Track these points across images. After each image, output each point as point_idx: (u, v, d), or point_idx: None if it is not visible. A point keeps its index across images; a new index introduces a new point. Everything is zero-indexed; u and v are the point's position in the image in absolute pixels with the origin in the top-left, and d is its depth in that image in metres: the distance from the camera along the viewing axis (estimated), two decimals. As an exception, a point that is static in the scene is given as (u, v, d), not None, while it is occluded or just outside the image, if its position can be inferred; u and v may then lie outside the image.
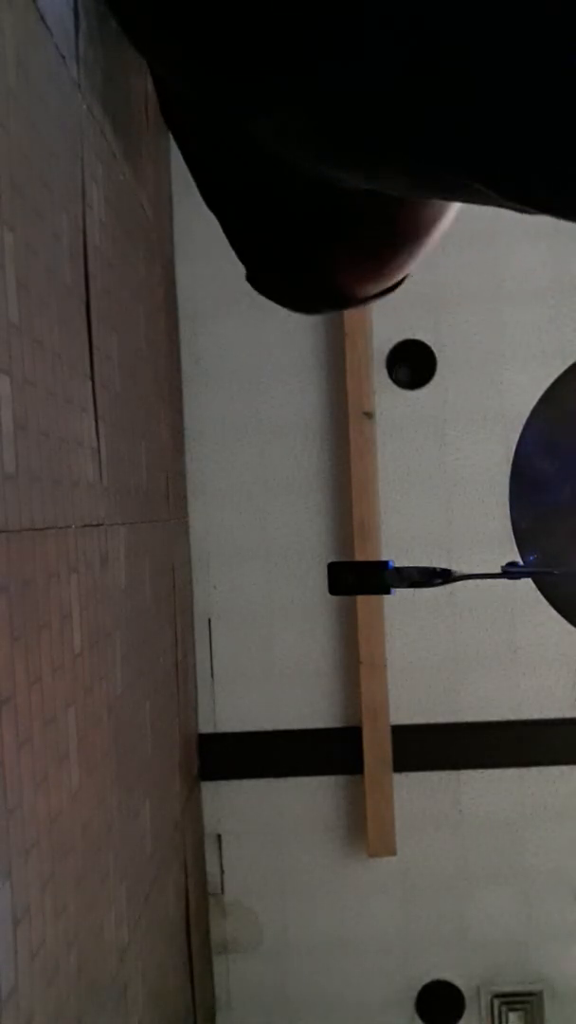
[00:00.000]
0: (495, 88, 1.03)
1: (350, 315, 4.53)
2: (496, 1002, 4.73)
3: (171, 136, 1.47)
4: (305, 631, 4.67)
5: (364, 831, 4.62)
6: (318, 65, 1.10)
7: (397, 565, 2.27)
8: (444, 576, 2.27)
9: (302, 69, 1.12)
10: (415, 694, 4.64)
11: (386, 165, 1.19)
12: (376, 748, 4.58)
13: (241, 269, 1.46)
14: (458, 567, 2.38)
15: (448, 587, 2.35)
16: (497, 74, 1.02)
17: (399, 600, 3.91)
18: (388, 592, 2.35)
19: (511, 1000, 4.73)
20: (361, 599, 4.47)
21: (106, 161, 3.24)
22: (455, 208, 1.36)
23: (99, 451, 2.98)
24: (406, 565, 2.30)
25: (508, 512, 4.69)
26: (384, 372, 4.68)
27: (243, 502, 4.69)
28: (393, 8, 1.04)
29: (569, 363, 4.71)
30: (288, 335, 4.62)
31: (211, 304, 4.63)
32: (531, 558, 4.55)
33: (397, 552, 4.32)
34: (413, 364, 4.71)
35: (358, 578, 2.50)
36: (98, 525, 2.94)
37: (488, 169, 1.10)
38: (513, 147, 1.06)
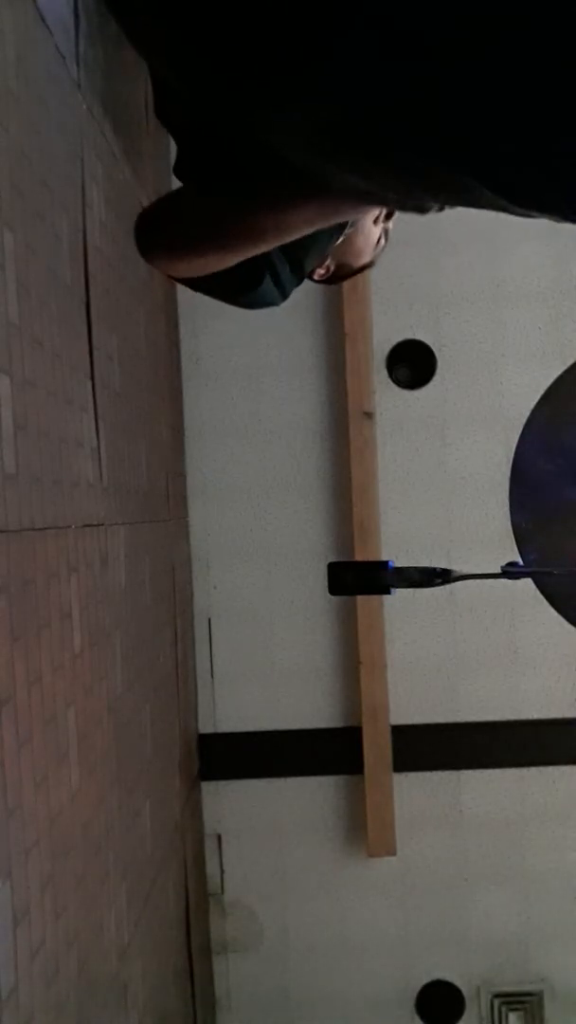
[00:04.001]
0: (495, 86, 1.03)
1: (350, 315, 4.53)
2: (496, 1002, 4.73)
3: (171, 136, 1.48)
4: (305, 631, 4.67)
5: (364, 831, 4.61)
6: (321, 66, 1.10)
7: (397, 565, 2.27)
8: (444, 576, 2.27)
9: (303, 70, 1.12)
10: (415, 694, 4.64)
11: (386, 164, 1.19)
12: (376, 748, 4.58)
13: None
14: (458, 567, 2.38)
15: (448, 587, 2.34)
16: (498, 72, 1.02)
17: (399, 600, 3.91)
18: (388, 592, 2.35)
19: (511, 1000, 4.73)
20: (361, 599, 4.46)
21: (106, 161, 3.24)
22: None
23: (99, 451, 2.98)
24: (406, 565, 2.30)
25: (508, 512, 4.69)
26: (384, 372, 4.68)
27: (243, 502, 4.69)
28: (391, 11, 1.04)
29: (569, 363, 4.71)
30: (288, 335, 4.62)
31: (211, 304, 4.61)
32: (531, 558, 4.56)
33: (397, 552, 4.32)
34: (413, 364, 4.71)
35: (358, 578, 2.49)
36: (98, 525, 2.94)
37: (488, 166, 1.10)
38: (513, 143, 1.06)
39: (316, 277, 1.75)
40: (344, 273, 1.78)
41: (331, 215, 1.46)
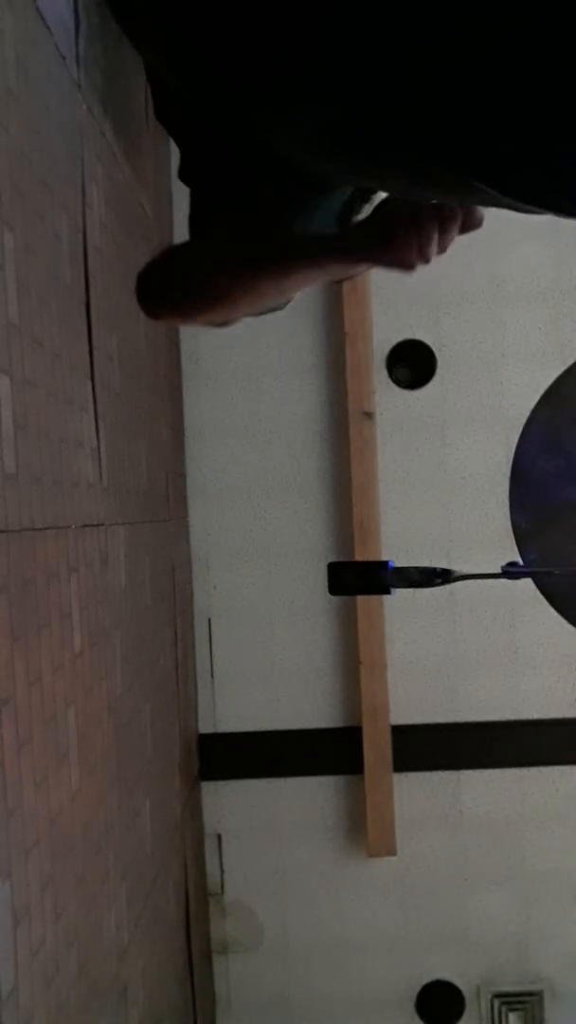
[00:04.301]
0: (496, 86, 1.03)
1: (350, 315, 4.53)
2: (496, 1002, 4.73)
3: (172, 138, 1.48)
4: (305, 631, 4.67)
5: (364, 831, 4.61)
6: (321, 66, 1.10)
7: (397, 565, 2.27)
8: (444, 576, 2.27)
9: (304, 70, 1.12)
10: (415, 694, 4.64)
11: (386, 164, 1.19)
12: (376, 748, 4.58)
13: None
14: (458, 567, 2.38)
15: (448, 587, 2.35)
16: (498, 72, 1.03)
17: (399, 600, 3.91)
18: (388, 592, 2.35)
19: (511, 1000, 4.73)
20: (361, 599, 4.46)
21: (106, 161, 3.24)
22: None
23: (99, 451, 2.98)
24: (406, 565, 2.30)
25: (508, 512, 4.69)
26: (384, 372, 4.68)
27: (243, 502, 4.69)
28: (392, 10, 1.04)
29: (569, 363, 4.71)
30: (288, 335, 4.62)
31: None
32: (531, 558, 4.56)
33: (397, 552, 4.32)
34: (413, 364, 4.71)
35: (358, 578, 2.49)
36: (98, 525, 2.94)
37: (489, 166, 1.10)
38: (513, 143, 1.06)
39: None
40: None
41: (327, 276, 1.47)
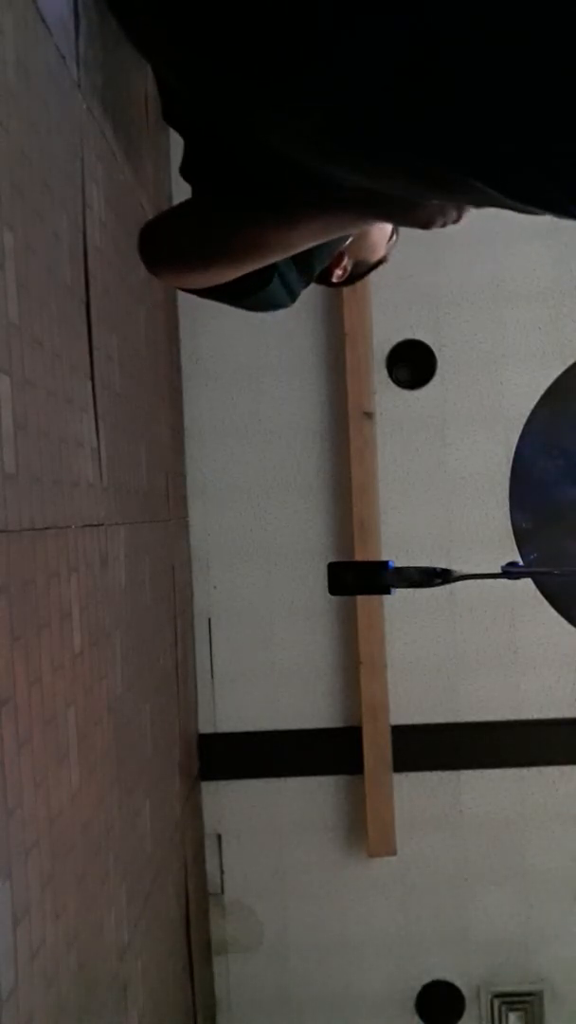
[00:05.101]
0: (496, 86, 1.03)
1: (350, 315, 4.53)
2: (496, 1002, 4.73)
3: (171, 137, 1.48)
4: (305, 631, 4.67)
5: (364, 831, 4.61)
6: (321, 67, 1.10)
7: (397, 565, 2.26)
8: (444, 576, 2.26)
9: (303, 71, 1.12)
10: (415, 694, 4.64)
11: (386, 164, 1.19)
12: (376, 748, 4.58)
13: None
14: (458, 567, 2.37)
15: (448, 587, 2.34)
16: (499, 72, 1.03)
17: (399, 600, 3.90)
18: (388, 592, 2.34)
19: (511, 1000, 4.73)
20: (361, 599, 4.46)
21: (106, 161, 3.24)
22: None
23: (99, 451, 2.98)
24: (406, 565, 2.29)
25: (508, 512, 4.69)
26: (384, 372, 4.68)
27: (243, 502, 4.69)
28: (392, 11, 1.04)
29: (569, 363, 4.71)
30: (288, 335, 4.62)
31: (211, 303, 4.61)
32: (531, 558, 4.56)
33: (397, 552, 4.32)
34: (413, 364, 4.71)
35: (358, 578, 2.49)
36: (98, 525, 2.94)
37: (489, 166, 1.10)
38: (513, 143, 1.06)
39: (335, 279, 1.74)
40: (361, 271, 1.77)
41: (336, 230, 1.46)
